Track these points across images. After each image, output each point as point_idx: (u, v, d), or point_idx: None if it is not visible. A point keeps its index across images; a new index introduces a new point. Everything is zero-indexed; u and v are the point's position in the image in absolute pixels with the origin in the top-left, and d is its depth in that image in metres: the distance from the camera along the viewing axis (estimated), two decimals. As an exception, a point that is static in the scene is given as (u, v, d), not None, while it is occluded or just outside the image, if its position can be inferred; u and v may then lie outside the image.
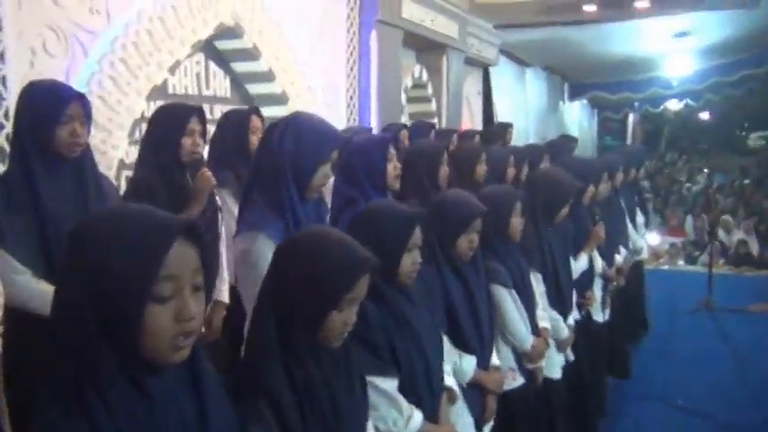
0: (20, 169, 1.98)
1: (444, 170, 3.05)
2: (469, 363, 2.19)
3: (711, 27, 9.34)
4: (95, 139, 3.20)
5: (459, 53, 7.37)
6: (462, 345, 2.18)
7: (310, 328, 1.35)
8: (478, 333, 2.22)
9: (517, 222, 2.54)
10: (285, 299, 1.36)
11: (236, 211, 2.63)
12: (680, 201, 13.39)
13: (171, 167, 2.43)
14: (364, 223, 1.80)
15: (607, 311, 3.73)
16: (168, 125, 2.46)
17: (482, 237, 2.40)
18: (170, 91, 3.94)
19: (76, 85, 3.22)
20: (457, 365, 2.16)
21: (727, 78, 12.25)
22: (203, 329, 2.50)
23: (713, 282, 6.58)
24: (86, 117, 2.08)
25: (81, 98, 2.05)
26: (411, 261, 1.80)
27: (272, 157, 1.95)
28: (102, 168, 3.21)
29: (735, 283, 7.65)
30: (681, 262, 9.73)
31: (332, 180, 2.44)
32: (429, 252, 2.10)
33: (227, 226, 2.76)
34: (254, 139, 2.83)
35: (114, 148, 3.33)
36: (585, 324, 3.34)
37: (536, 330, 2.61)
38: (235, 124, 2.91)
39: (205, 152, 3.66)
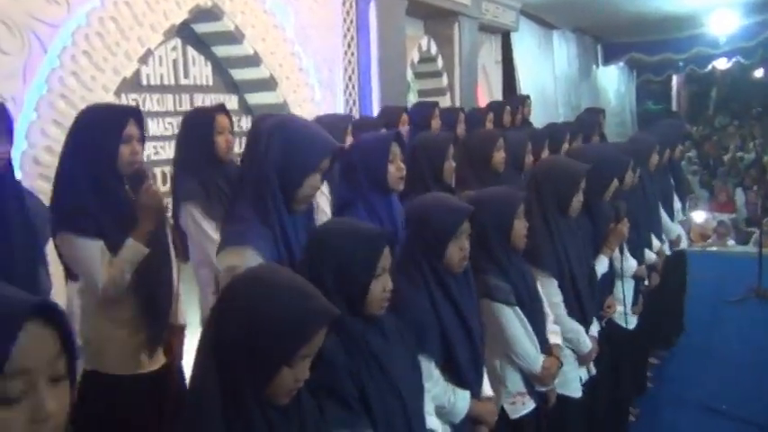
0: None
1: (450, 165, 3.06)
2: (464, 400, 2.11)
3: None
4: (59, 144, 3.20)
5: (472, 20, 7.26)
6: (457, 377, 2.10)
7: (257, 386, 1.31)
8: (474, 361, 2.14)
9: (520, 227, 2.45)
10: (228, 353, 1.31)
11: (205, 226, 2.66)
12: (730, 172, 13.13)
13: (107, 183, 2.27)
14: (324, 247, 1.73)
15: (635, 318, 3.59)
16: (100, 132, 2.28)
17: (482, 247, 2.33)
18: (143, 82, 3.93)
19: (35, 83, 3.21)
20: (450, 403, 2.08)
21: (782, 32, 11.98)
22: (164, 358, 2.49)
23: (765, 265, 6.40)
24: (7, 131, 1.99)
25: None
26: (381, 288, 1.72)
27: (258, 167, 1.99)
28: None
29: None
30: (731, 242, 9.53)
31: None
32: (414, 269, 2.04)
33: (194, 246, 2.74)
34: (221, 141, 2.81)
35: (80, 151, 3.30)
36: (609, 334, 3.24)
37: (546, 348, 2.54)
38: (198, 125, 2.82)
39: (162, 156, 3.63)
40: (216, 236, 2.62)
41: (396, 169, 2.52)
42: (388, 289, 1.73)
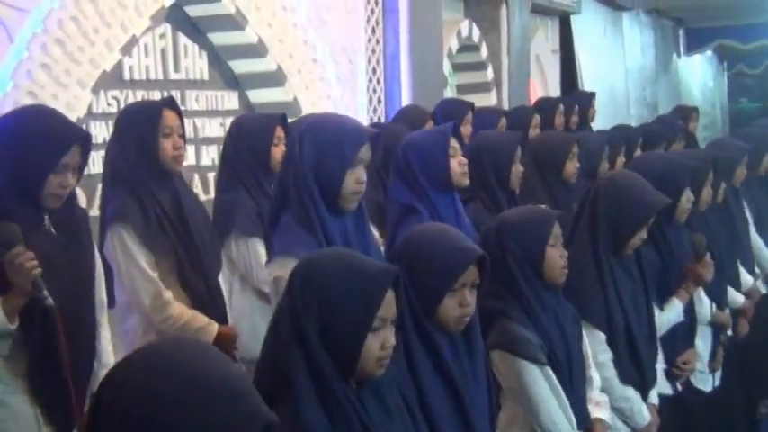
0: None
1: (517, 170, 3.40)
2: None
3: None
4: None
5: (523, 0, 7.31)
6: None
7: None
8: None
9: (555, 257, 2.38)
10: None
11: (137, 257, 2.64)
12: None
13: (24, 217, 2.23)
14: (308, 285, 1.65)
15: (717, 375, 3.43)
16: (28, 157, 2.24)
17: (506, 284, 2.31)
18: (126, 77, 4.00)
19: (-1, 77, 3.30)
20: None
21: None
22: None
23: None
24: None
25: None
26: (380, 344, 1.64)
27: (294, 171, 2.30)
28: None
29: None
30: None
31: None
32: (399, 326, 1.87)
33: (121, 284, 2.67)
34: (167, 145, 2.70)
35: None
36: (685, 398, 3.16)
37: (587, 421, 2.45)
38: (137, 124, 2.70)
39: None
40: (152, 272, 2.63)
41: (458, 164, 2.87)
42: (387, 345, 1.66)
